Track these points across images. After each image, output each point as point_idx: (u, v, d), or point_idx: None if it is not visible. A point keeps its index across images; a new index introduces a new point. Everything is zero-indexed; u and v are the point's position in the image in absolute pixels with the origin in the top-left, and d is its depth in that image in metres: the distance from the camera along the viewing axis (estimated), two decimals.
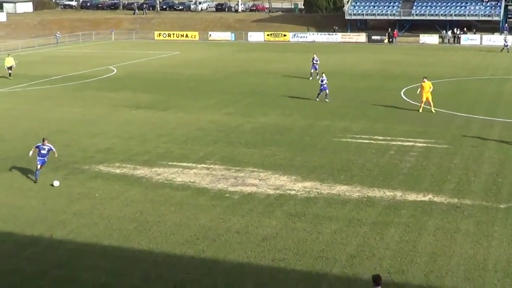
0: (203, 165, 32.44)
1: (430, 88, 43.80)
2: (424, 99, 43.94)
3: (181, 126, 41.32)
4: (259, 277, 20.44)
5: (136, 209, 26.43)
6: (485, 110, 45.35)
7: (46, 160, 29.88)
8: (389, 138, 37.25)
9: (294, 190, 28.44)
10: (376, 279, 15.91)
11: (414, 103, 47.69)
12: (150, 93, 55.16)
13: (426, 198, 27.13)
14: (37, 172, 29.83)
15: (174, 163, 32.86)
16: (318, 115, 44.36)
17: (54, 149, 30.11)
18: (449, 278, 20.09)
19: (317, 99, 49.03)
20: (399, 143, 36.15)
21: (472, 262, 21.16)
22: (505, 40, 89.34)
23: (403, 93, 52.80)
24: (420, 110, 43.94)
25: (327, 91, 48.56)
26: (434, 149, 34.77)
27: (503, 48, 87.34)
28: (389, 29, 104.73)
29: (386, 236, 23.31)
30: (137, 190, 28.89)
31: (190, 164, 32.64)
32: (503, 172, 30.65)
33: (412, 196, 27.40)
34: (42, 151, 29.68)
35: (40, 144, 29.91)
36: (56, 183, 29.12)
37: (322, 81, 48.80)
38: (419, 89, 44.75)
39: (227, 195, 28.02)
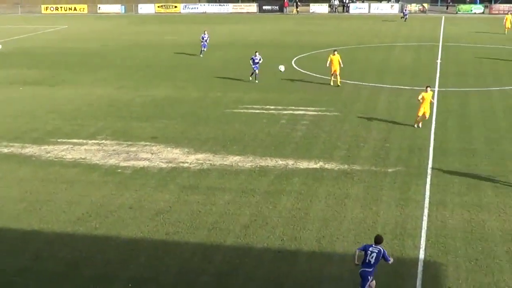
0: (94, 141, 31.88)
1: (339, 62, 43.21)
2: (332, 72, 43.27)
3: (71, 102, 40.41)
4: (153, 251, 20.34)
5: (25, 188, 25.75)
6: (374, 77, 46.43)
7: None
8: (280, 107, 37.60)
9: (187, 162, 28.36)
10: (378, 239, 17.05)
11: (305, 72, 48.37)
12: (37, 69, 53.63)
13: (317, 166, 27.59)
14: None
15: (64, 140, 32.15)
16: (210, 86, 44.29)
17: None
18: (340, 243, 20.56)
19: (251, 79, 45.50)
20: (291, 112, 36.55)
21: (362, 226, 21.73)
22: (404, 10, 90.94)
23: (294, 62, 53.39)
24: (332, 84, 43.55)
25: (257, 71, 45.20)
26: (324, 117, 35.34)
27: (403, 17, 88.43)
28: None
29: (279, 204, 23.60)
30: (26, 169, 28.13)
31: (80, 141, 32.02)
32: (390, 137, 31.50)
33: (303, 164, 27.80)
34: None
35: None
36: (282, 68, 27.95)
37: (253, 60, 45.29)
38: (328, 62, 43.86)
39: (119, 170, 27.67)
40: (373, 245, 16.87)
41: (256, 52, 45.69)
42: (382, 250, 16.76)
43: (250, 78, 45.70)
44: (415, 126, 32.81)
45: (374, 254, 16.66)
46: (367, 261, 16.72)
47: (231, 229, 21.71)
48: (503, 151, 29.25)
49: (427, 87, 33.34)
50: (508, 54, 57.38)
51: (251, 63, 45.18)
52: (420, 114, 32.55)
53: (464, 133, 32.08)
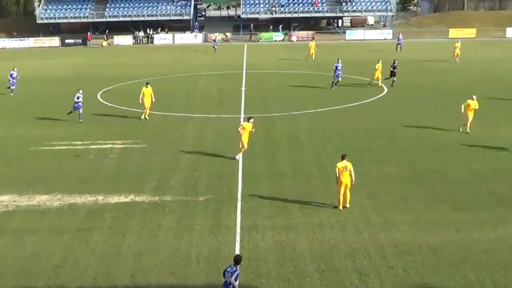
0: None
1: (151, 95, 42.07)
2: (145, 105, 42.24)
3: None
4: None
5: None
6: (182, 107, 46.80)
7: None
8: (88, 142, 36.87)
9: None
10: (238, 259, 17.08)
11: (111, 105, 47.90)
12: None
13: (128, 199, 27.28)
14: None
15: None
16: (12, 124, 42.66)
17: None
18: (155, 276, 20.38)
19: (80, 120, 42.49)
20: (98, 146, 35.93)
21: (176, 257, 21.70)
22: (214, 40, 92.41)
23: (100, 95, 52.70)
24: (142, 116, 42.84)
25: (81, 110, 42.57)
26: (133, 150, 35.08)
27: (213, 47, 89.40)
28: (105, 31, 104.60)
29: (90, 241, 23.05)
30: None
31: None
32: (200, 166, 31.78)
33: (114, 199, 27.37)
34: None
35: None
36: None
37: (78, 98, 42.43)
38: (141, 96, 42.26)
39: None
40: (232, 265, 16.84)
41: (79, 89, 43.22)
42: (237, 270, 16.69)
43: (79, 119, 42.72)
44: (236, 157, 32.78)
45: (230, 274, 16.60)
46: (225, 280, 16.65)
47: (41, 271, 20.89)
48: (307, 172, 30.38)
49: (249, 118, 33.60)
50: (309, 79, 59.98)
51: (75, 100, 42.50)
52: (242, 146, 32.65)
53: (271, 158, 33.02)
